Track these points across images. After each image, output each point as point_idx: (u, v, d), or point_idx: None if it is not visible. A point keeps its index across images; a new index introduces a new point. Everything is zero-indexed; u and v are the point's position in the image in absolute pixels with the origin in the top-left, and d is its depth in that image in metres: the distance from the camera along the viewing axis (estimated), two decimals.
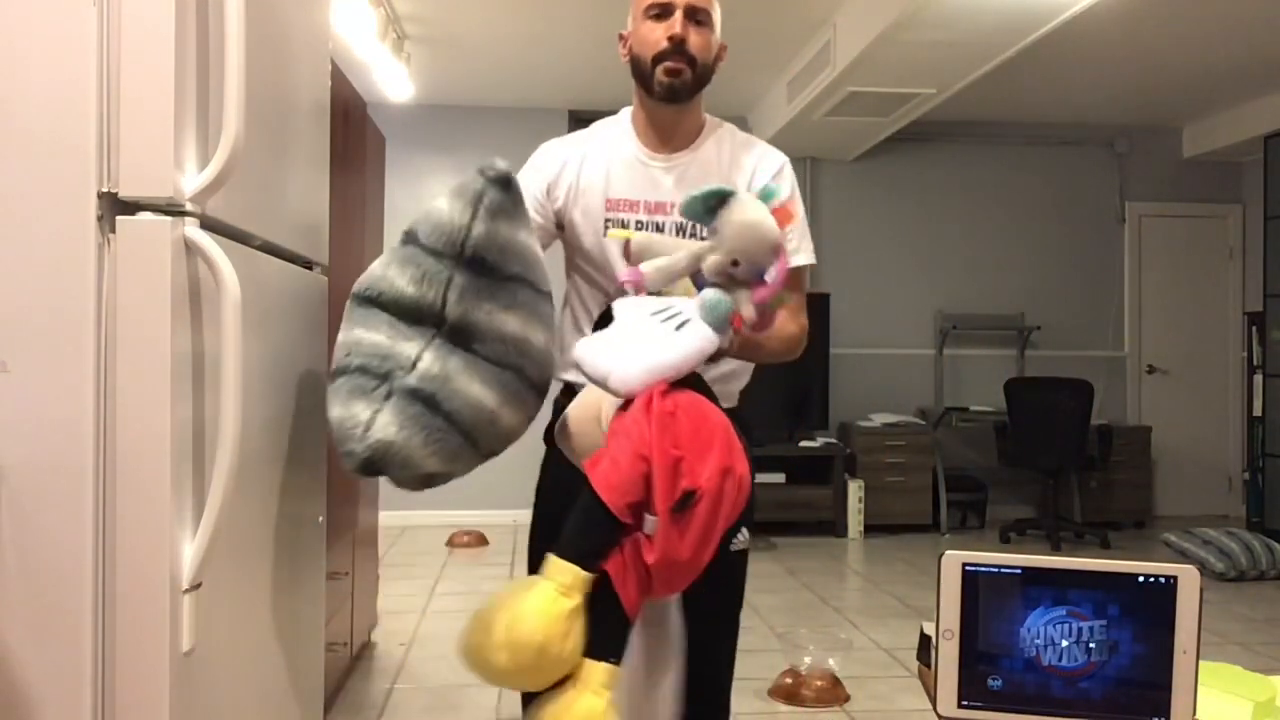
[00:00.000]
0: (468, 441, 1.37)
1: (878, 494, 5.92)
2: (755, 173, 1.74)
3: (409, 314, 1.38)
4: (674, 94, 1.67)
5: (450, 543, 5.50)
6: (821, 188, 6.50)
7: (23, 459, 1.15)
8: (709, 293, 1.31)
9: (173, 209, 1.19)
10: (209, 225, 1.25)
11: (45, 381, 1.15)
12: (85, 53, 1.16)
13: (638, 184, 1.73)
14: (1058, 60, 5.11)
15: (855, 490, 5.88)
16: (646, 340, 1.27)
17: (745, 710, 2.98)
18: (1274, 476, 5.74)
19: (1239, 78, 5.54)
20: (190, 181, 1.21)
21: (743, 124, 6.70)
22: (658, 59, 1.65)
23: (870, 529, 5.93)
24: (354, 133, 3.06)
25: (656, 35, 1.65)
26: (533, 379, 1.42)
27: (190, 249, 1.21)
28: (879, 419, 6.08)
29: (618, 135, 1.77)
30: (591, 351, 1.29)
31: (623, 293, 1.49)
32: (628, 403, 1.26)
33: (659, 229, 1.71)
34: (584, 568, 1.13)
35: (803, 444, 5.89)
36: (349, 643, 3.09)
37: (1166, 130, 6.69)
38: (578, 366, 1.33)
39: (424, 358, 1.35)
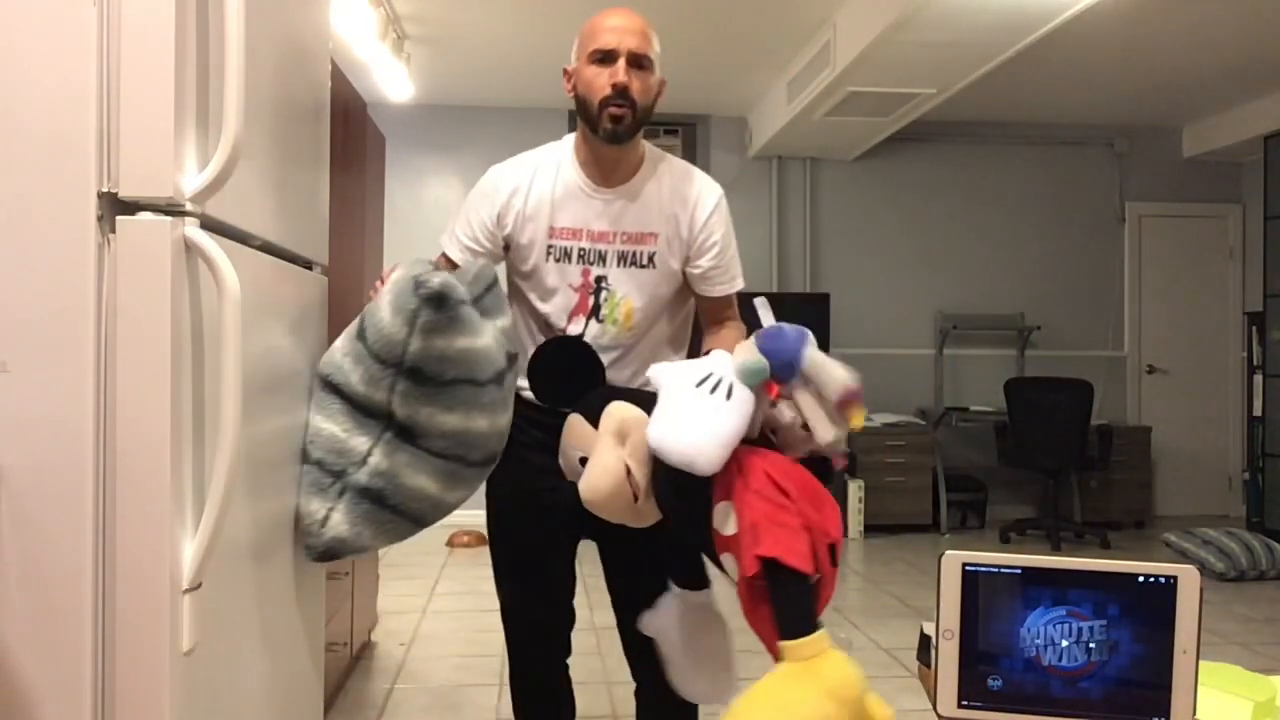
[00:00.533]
0: (414, 523, 1.54)
1: (878, 494, 5.92)
2: (696, 204, 1.84)
3: (361, 408, 1.51)
4: (617, 137, 1.76)
5: (450, 543, 5.50)
6: (821, 188, 6.50)
7: (23, 459, 1.15)
8: (747, 360, 1.42)
9: (173, 209, 1.19)
10: (209, 225, 1.25)
11: (45, 381, 1.15)
12: (85, 53, 1.16)
13: (581, 214, 1.82)
14: (1058, 60, 5.11)
15: (855, 490, 5.88)
16: (708, 414, 1.39)
17: None
18: (1274, 476, 5.74)
19: (1239, 78, 5.55)
20: (190, 181, 1.21)
21: (742, 124, 6.72)
22: (603, 104, 1.74)
23: (870, 529, 5.93)
24: (354, 133, 3.06)
25: (601, 81, 1.74)
26: (475, 461, 1.58)
27: (190, 249, 1.21)
28: (879, 419, 6.08)
29: (562, 164, 1.85)
30: (665, 439, 1.39)
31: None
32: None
33: (601, 257, 1.82)
34: (816, 629, 1.28)
35: None
36: (349, 643, 3.09)
37: (1166, 130, 6.69)
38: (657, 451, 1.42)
39: (374, 453, 1.49)
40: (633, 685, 1.95)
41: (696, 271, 1.87)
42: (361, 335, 1.51)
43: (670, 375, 1.45)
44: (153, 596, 1.17)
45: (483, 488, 1.95)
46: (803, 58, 5.09)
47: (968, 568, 1.04)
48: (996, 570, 1.03)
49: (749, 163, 6.42)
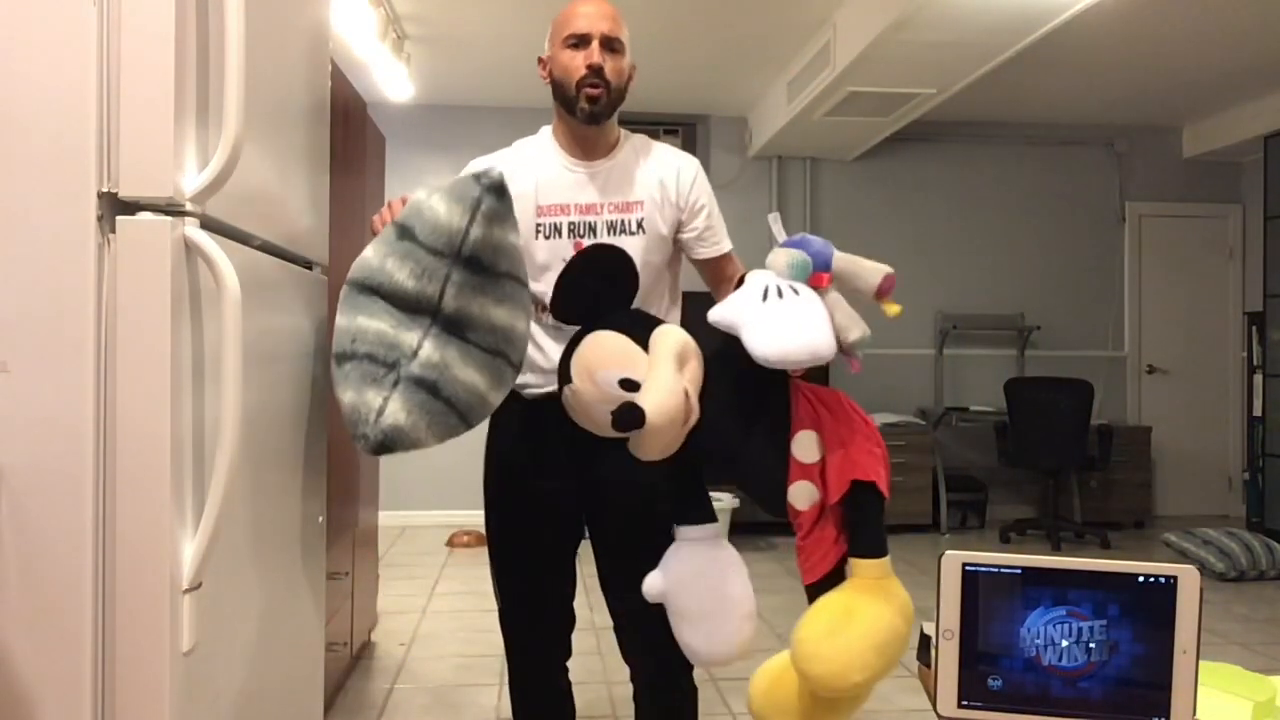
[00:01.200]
0: (462, 420, 1.52)
1: None
2: (680, 171, 1.91)
3: (408, 304, 1.50)
4: (594, 117, 1.84)
5: (450, 543, 5.50)
6: (821, 188, 6.50)
7: (23, 459, 1.15)
8: (792, 257, 1.47)
9: (173, 209, 1.19)
10: (209, 225, 1.25)
11: (45, 381, 1.15)
12: (85, 53, 1.16)
13: (566, 189, 1.87)
14: (1058, 60, 5.11)
15: None
16: (798, 312, 1.43)
17: (745, 711, 2.98)
18: (1274, 476, 5.74)
19: (1239, 78, 5.54)
20: (190, 181, 1.21)
21: (742, 124, 6.72)
22: (579, 84, 1.82)
23: None
24: (354, 133, 3.06)
25: (576, 63, 1.83)
26: (515, 362, 1.59)
27: (190, 249, 1.21)
28: (879, 419, 6.07)
29: (540, 150, 1.92)
30: (780, 345, 1.41)
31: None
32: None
33: (591, 228, 1.86)
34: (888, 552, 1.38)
35: None
36: (349, 643, 3.09)
37: (1166, 130, 6.69)
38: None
39: (424, 346, 1.49)
40: (631, 686, 1.95)
41: (692, 234, 1.93)
42: (406, 234, 1.52)
43: (733, 304, 1.46)
44: (153, 596, 1.17)
45: (481, 488, 1.96)
46: (803, 58, 5.09)
47: (968, 568, 1.04)
48: (996, 570, 1.03)
49: (749, 163, 6.41)
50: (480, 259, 1.51)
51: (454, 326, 1.51)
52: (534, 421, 1.84)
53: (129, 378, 1.16)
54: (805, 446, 1.45)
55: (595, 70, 1.81)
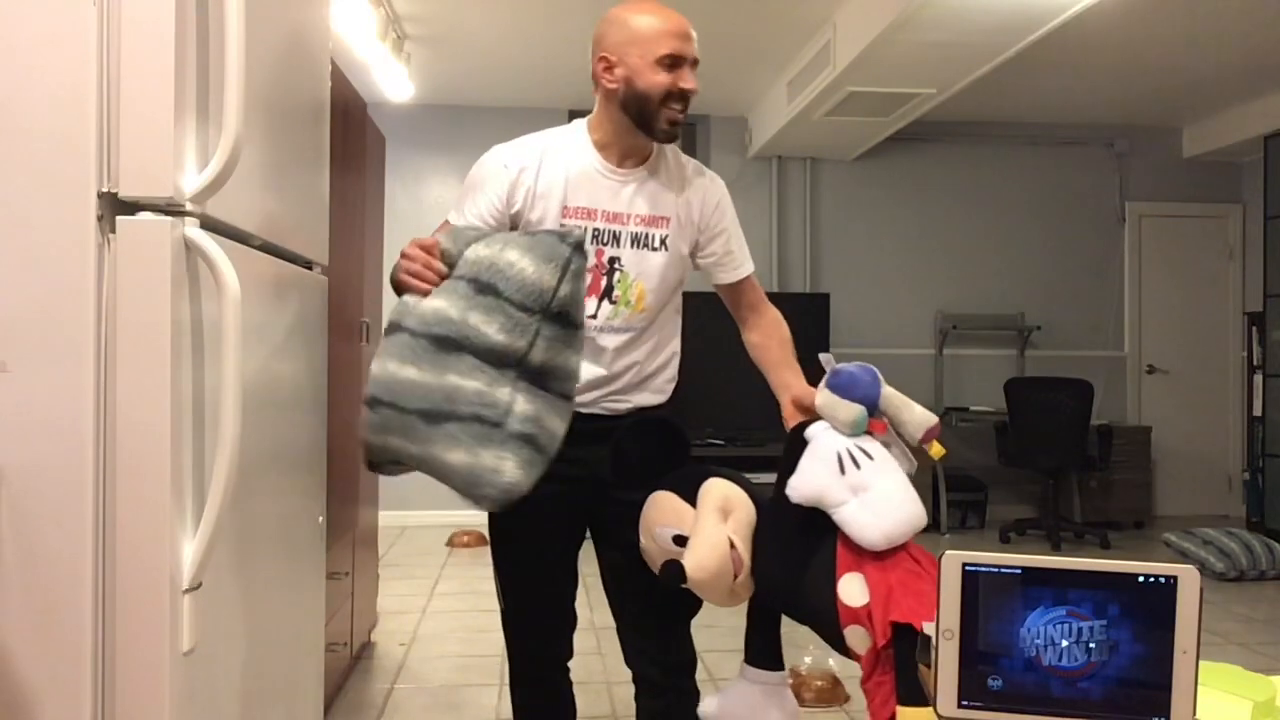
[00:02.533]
0: (549, 461, 1.60)
1: None
2: (707, 191, 1.92)
3: (494, 358, 1.55)
4: (672, 137, 1.83)
5: (450, 543, 5.50)
6: (821, 188, 6.50)
7: (23, 459, 1.15)
8: (855, 415, 1.55)
9: (173, 209, 1.19)
10: (209, 225, 1.25)
11: (45, 381, 1.15)
12: (85, 53, 1.16)
13: (596, 194, 1.83)
14: (1058, 60, 5.11)
15: None
16: (886, 483, 1.49)
17: None
18: (1274, 476, 5.74)
19: (1239, 78, 5.54)
20: (190, 181, 1.21)
21: (742, 124, 6.72)
22: (664, 103, 1.79)
23: None
24: (354, 133, 3.06)
25: (668, 81, 1.79)
26: (575, 398, 1.67)
27: (190, 249, 1.21)
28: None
29: (574, 146, 1.85)
30: (888, 526, 1.47)
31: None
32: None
33: (615, 238, 1.83)
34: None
35: None
36: (349, 643, 3.09)
37: (1166, 130, 6.69)
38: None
39: (517, 401, 1.56)
40: (633, 687, 1.95)
41: (709, 259, 1.92)
42: (489, 290, 1.57)
43: (813, 480, 1.52)
44: (153, 596, 1.17)
45: None
46: (803, 58, 5.09)
47: (968, 568, 1.04)
48: (996, 570, 1.03)
49: (749, 163, 6.41)
50: (568, 314, 1.58)
51: (537, 378, 1.58)
52: None
53: (129, 378, 1.16)
54: (851, 590, 1.47)
55: (685, 95, 1.81)
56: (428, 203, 6.08)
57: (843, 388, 1.57)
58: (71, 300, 1.15)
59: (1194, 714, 0.99)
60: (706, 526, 1.51)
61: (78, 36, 1.16)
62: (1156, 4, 4.37)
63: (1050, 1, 3.76)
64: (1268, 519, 5.71)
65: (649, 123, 1.80)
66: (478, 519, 6.13)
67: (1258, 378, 5.95)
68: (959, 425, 6.30)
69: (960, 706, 1.03)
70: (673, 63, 1.80)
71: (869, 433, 1.55)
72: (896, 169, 6.49)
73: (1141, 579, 1.01)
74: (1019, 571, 1.03)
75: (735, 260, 1.94)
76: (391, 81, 5.11)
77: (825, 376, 1.63)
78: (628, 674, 1.94)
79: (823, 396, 1.60)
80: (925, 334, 6.51)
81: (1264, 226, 5.91)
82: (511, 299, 1.55)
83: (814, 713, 3.00)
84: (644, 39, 1.81)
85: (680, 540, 1.54)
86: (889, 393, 1.58)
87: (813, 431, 1.58)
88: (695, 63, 1.85)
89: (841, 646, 1.50)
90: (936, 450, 1.58)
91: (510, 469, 1.53)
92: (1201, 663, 1.02)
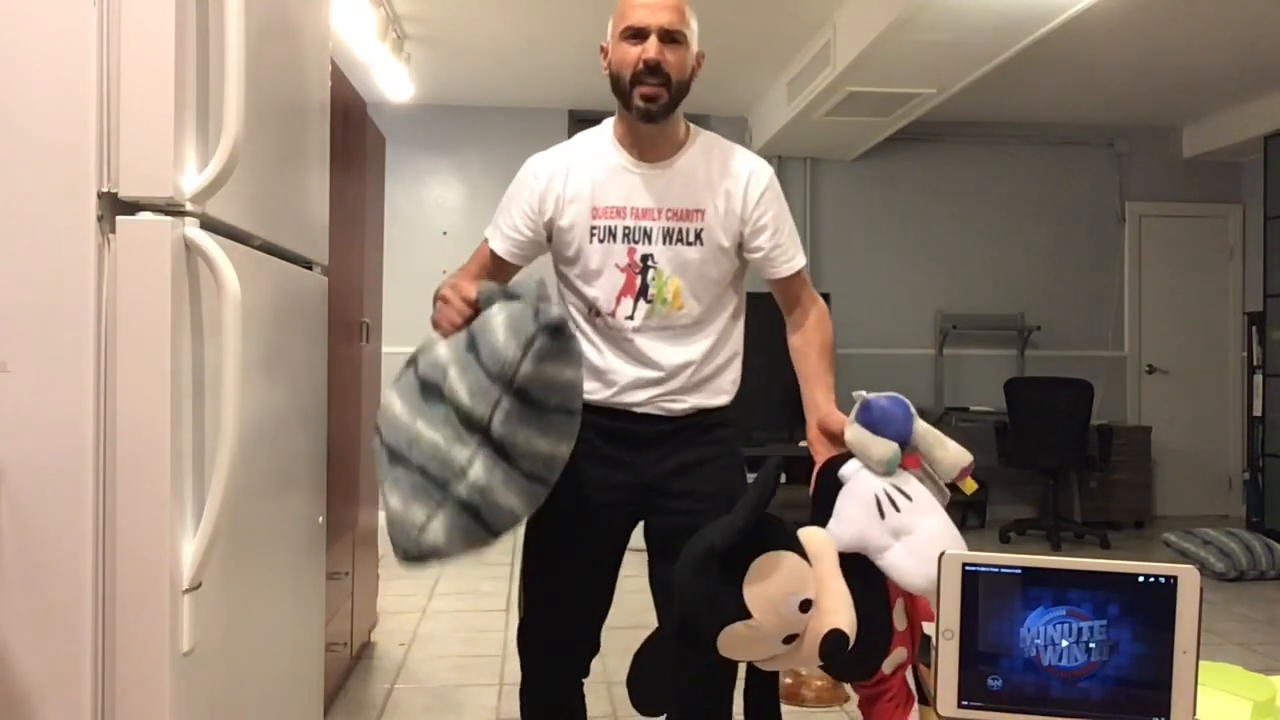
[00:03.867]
0: (494, 536, 1.55)
1: None
2: (750, 180, 1.80)
3: (463, 417, 1.50)
4: (651, 116, 1.72)
5: None
6: (821, 188, 6.50)
7: (23, 459, 1.15)
8: (887, 455, 1.48)
9: (173, 209, 1.19)
10: (209, 225, 1.25)
11: (45, 381, 1.15)
12: (85, 53, 1.16)
13: (624, 191, 1.77)
14: (1058, 60, 5.11)
15: None
16: (928, 523, 1.43)
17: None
18: (1274, 476, 5.74)
19: (1239, 78, 5.54)
20: (190, 181, 1.21)
21: (742, 124, 6.70)
22: (634, 81, 1.70)
23: None
24: (354, 133, 3.06)
25: (631, 56, 1.70)
26: (553, 483, 1.58)
27: (190, 249, 1.21)
28: None
29: (600, 145, 1.81)
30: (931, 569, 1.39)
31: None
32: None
33: (646, 234, 1.77)
34: None
35: (803, 444, 5.87)
36: (349, 643, 3.09)
37: (1166, 130, 6.69)
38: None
39: (474, 466, 1.49)
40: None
41: (758, 255, 1.82)
42: (473, 348, 1.52)
43: (852, 523, 1.46)
44: (153, 596, 1.17)
45: None
46: (803, 58, 5.08)
47: (968, 568, 1.04)
48: (996, 570, 1.03)
49: None
50: (529, 392, 1.49)
51: (501, 450, 1.50)
52: (599, 428, 1.77)
53: (129, 377, 1.16)
54: (899, 616, 1.47)
55: (651, 66, 1.69)
56: (428, 203, 6.08)
57: (875, 424, 1.52)
58: (71, 300, 1.15)
59: (1194, 714, 0.99)
60: (834, 583, 1.41)
61: (78, 36, 1.16)
62: (1156, 4, 4.37)
63: (1050, 1, 3.76)
64: (1268, 519, 5.71)
65: (627, 103, 1.73)
66: None
67: (1258, 378, 5.94)
68: (959, 425, 6.30)
69: (960, 706, 1.03)
70: (635, 34, 1.71)
71: (905, 468, 1.50)
72: (896, 169, 6.49)
73: (1141, 579, 1.01)
74: (1019, 571, 1.03)
75: (784, 254, 1.83)
76: (391, 81, 5.11)
77: (855, 409, 1.58)
78: (627, 674, 1.93)
79: (853, 432, 1.54)
80: (925, 334, 6.51)
81: (1264, 226, 5.91)
82: (483, 362, 1.49)
83: (814, 713, 3.00)
84: (616, 16, 1.76)
85: (806, 606, 1.38)
86: (922, 428, 1.53)
87: (846, 471, 1.51)
88: (675, 34, 1.73)
89: (870, 673, 1.46)
90: (970, 486, 1.52)
91: (435, 531, 1.48)
92: (1201, 663, 1.02)
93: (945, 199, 6.55)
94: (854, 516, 1.46)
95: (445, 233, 5.93)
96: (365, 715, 2.95)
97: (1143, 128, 6.63)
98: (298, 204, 1.70)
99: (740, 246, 1.82)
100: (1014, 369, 6.45)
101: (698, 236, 1.77)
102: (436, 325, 1.61)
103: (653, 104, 1.71)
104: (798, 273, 1.86)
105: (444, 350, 1.56)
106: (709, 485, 1.82)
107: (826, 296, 6.17)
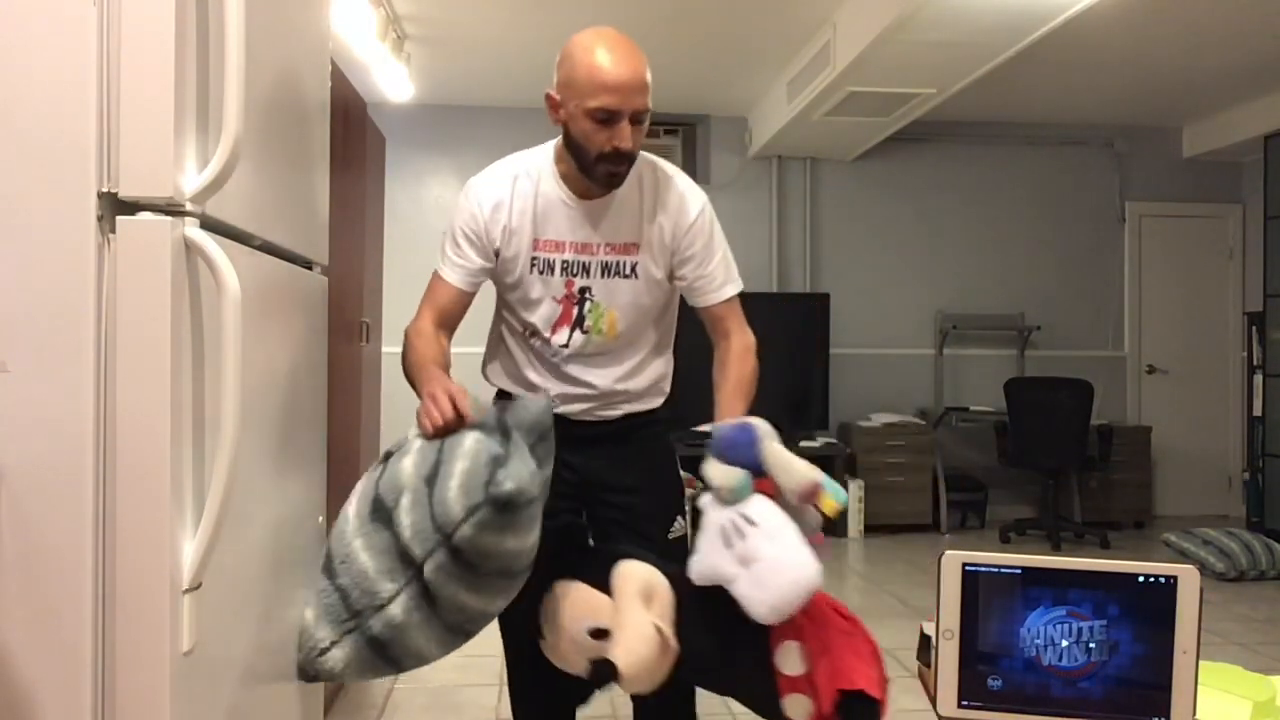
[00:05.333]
0: (396, 670, 1.53)
1: (878, 494, 5.91)
2: (679, 213, 1.81)
3: (400, 551, 1.47)
4: (613, 188, 1.75)
5: None
6: (821, 188, 6.50)
7: (23, 459, 1.15)
8: (729, 482, 1.46)
9: (173, 209, 1.19)
10: (209, 225, 1.25)
11: (45, 381, 1.15)
12: (85, 53, 1.16)
13: (564, 226, 1.80)
14: (1058, 60, 5.11)
15: (855, 490, 5.88)
16: (773, 548, 1.41)
17: (745, 710, 2.97)
18: (1274, 476, 5.74)
19: (1239, 78, 5.54)
20: (190, 181, 1.21)
21: (742, 124, 6.71)
22: (599, 159, 1.69)
23: (870, 529, 5.93)
24: (354, 133, 3.06)
25: (600, 139, 1.67)
26: (474, 632, 1.56)
27: (190, 249, 1.21)
28: (879, 419, 6.07)
29: (542, 176, 1.81)
30: (775, 598, 1.39)
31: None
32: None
33: (585, 268, 1.80)
34: None
35: (803, 444, 5.88)
36: None
37: (1166, 130, 6.69)
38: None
39: (395, 602, 1.46)
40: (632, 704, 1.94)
41: (682, 283, 1.85)
42: (431, 481, 1.48)
43: (707, 559, 1.46)
44: (153, 596, 1.17)
45: None
46: (803, 58, 5.09)
47: (968, 568, 1.04)
48: (996, 570, 1.03)
49: (749, 163, 6.41)
50: (464, 554, 1.45)
51: (427, 594, 1.47)
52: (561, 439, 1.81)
53: (129, 378, 1.16)
54: (788, 658, 1.43)
55: (624, 154, 1.68)
56: (428, 203, 6.08)
57: (722, 452, 1.49)
58: (71, 300, 1.15)
59: (1194, 714, 0.99)
60: (633, 615, 1.41)
61: (78, 36, 1.16)
62: (1156, 4, 4.37)
63: (1050, 1, 3.76)
64: (1268, 519, 5.71)
65: (588, 173, 1.72)
66: None
67: (1258, 378, 5.95)
68: (959, 425, 6.30)
69: (960, 706, 1.03)
70: (607, 117, 1.66)
71: (764, 492, 1.46)
72: (896, 169, 6.49)
73: (1141, 579, 1.01)
74: (1019, 571, 1.03)
75: (710, 283, 1.84)
76: (391, 81, 5.11)
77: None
78: None
79: (707, 465, 1.50)
80: (925, 334, 6.51)
81: (1264, 226, 5.91)
82: (433, 505, 1.46)
83: None
84: (579, 86, 1.69)
85: (598, 634, 1.44)
86: (773, 452, 1.48)
87: (703, 504, 1.50)
88: (641, 116, 1.69)
89: (778, 716, 1.46)
90: (829, 506, 1.46)
91: (335, 658, 1.48)
92: (1201, 663, 1.02)
93: (945, 199, 6.55)
94: (703, 549, 1.46)
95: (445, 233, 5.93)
96: (365, 715, 2.96)
97: (1143, 128, 6.63)
98: (298, 204, 1.70)
99: (669, 276, 1.85)
100: (1014, 369, 6.45)
101: (633, 270, 1.81)
102: (418, 418, 1.58)
103: (616, 178, 1.72)
104: (725, 302, 1.86)
105: (408, 470, 1.52)
106: (639, 478, 1.90)
107: (826, 296, 6.21)
